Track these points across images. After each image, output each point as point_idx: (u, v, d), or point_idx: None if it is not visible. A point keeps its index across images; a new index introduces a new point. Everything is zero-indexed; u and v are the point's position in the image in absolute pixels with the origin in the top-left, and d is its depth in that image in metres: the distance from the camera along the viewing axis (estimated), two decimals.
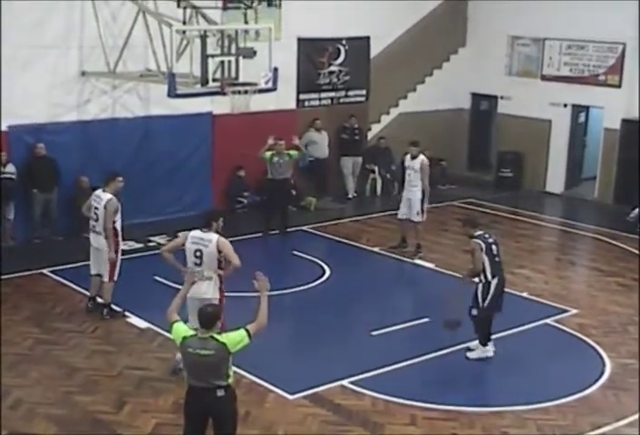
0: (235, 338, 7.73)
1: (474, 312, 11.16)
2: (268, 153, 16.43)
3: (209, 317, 7.70)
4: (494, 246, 11.16)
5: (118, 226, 12.48)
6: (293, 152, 16.69)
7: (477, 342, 11.35)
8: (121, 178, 12.71)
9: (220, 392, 7.77)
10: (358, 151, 19.90)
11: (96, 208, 12.36)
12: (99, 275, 12.57)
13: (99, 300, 12.65)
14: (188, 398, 7.92)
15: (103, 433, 9.38)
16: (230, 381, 7.86)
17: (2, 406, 9.79)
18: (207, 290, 10.28)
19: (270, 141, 16.31)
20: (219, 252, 10.23)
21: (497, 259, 11.16)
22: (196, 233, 10.33)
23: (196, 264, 10.29)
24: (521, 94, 20.92)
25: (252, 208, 17.94)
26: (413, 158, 15.45)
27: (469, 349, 11.41)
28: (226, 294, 10.56)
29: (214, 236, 10.26)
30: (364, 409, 10.01)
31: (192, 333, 7.77)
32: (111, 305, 12.58)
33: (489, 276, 11.08)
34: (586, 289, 14.41)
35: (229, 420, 7.98)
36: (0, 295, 13.05)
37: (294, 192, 17.83)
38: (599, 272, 15.22)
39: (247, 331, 7.80)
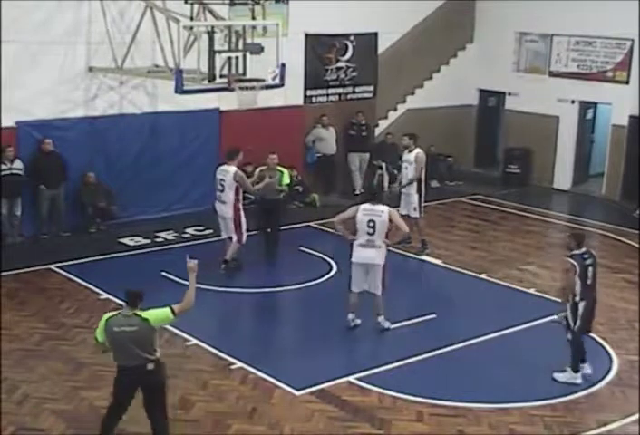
0: (158, 315, 8.28)
1: (568, 336, 10.65)
2: (259, 169, 14.81)
3: (135, 296, 8.29)
4: (590, 269, 10.53)
5: (240, 195, 13.95)
6: (285, 174, 14.87)
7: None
8: (241, 153, 14.05)
9: (150, 366, 8.30)
10: (365, 147, 19.89)
11: (222, 180, 13.76)
12: (230, 238, 14.08)
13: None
14: (118, 376, 8.47)
15: None
16: (157, 355, 8.35)
17: (10, 401, 9.84)
18: (376, 256, 11.67)
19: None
20: (390, 221, 11.56)
21: (588, 282, 10.53)
22: (366, 206, 11.70)
23: (369, 233, 11.61)
24: (529, 90, 20.88)
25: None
26: (410, 151, 15.38)
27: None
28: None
29: (385, 208, 11.68)
30: (371, 405, 10.01)
31: (114, 313, 8.34)
32: (228, 262, 13.91)
33: (577, 298, 10.49)
34: None
35: (160, 389, 8.57)
36: None
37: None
38: (606, 268, 15.12)
39: (171, 309, 8.29)
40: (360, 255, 11.76)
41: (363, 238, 11.68)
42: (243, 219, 14.03)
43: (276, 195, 14.81)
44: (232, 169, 13.78)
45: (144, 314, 8.23)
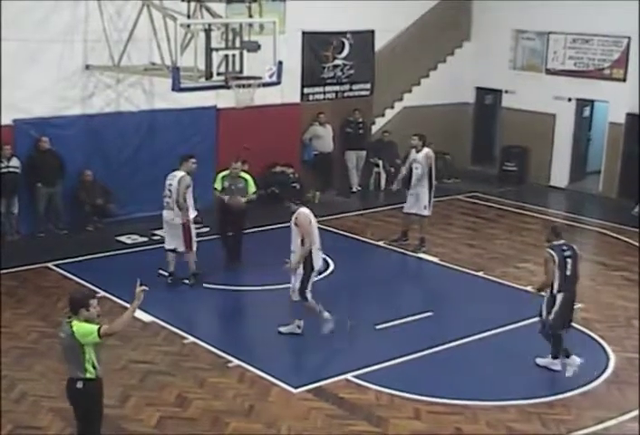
0: (85, 329, 7.64)
1: (539, 325, 10.82)
2: (220, 175, 14.25)
3: (74, 302, 7.79)
4: (569, 260, 10.52)
5: (190, 201, 13.20)
6: (249, 181, 14.21)
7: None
8: (194, 160, 13.48)
9: (79, 384, 7.81)
10: (362, 145, 19.90)
11: (170, 185, 13.18)
12: (173, 250, 13.32)
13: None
14: None
15: (108, 427, 9.40)
16: (90, 376, 7.79)
17: (8, 399, 9.85)
18: None
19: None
20: None
21: (568, 273, 10.52)
22: (305, 210, 11.45)
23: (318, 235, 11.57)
24: (526, 88, 20.90)
25: (256, 202, 17.88)
26: (418, 151, 15.42)
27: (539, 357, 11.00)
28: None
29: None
30: (368, 403, 10.01)
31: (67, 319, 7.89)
32: (196, 274, 13.43)
33: (555, 291, 10.54)
34: (590, 283, 14.35)
35: (84, 416, 7.96)
36: None
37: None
38: (604, 266, 15.20)
39: (99, 330, 7.64)
40: (320, 261, 11.57)
41: (318, 242, 11.46)
42: (193, 226, 13.36)
43: (240, 202, 14.10)
44: (180, 174, 13.16)
45: (75, 326, 7.64)
